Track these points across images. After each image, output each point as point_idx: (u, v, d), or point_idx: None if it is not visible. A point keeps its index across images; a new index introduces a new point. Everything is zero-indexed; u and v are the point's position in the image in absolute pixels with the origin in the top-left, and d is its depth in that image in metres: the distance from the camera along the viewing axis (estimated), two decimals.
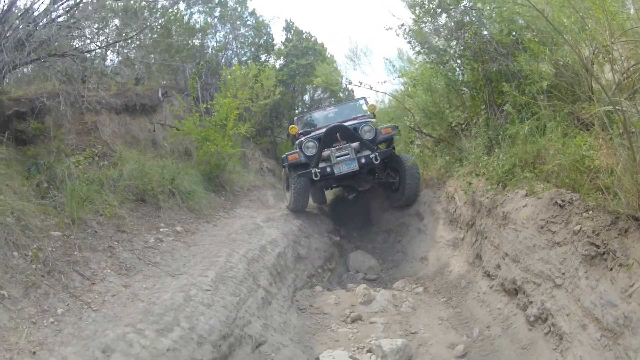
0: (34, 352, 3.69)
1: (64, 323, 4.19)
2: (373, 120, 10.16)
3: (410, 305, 6.47)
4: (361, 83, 10.68)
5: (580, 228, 4.06)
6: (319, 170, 8.87)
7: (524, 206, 5.24)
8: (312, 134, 9.90)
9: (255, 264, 6.43)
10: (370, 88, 10.22)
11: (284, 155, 9.48)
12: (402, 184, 9.20)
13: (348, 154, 8.92)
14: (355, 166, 8.87)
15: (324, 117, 12.07)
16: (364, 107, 11.60)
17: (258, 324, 5.20)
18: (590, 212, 4.09)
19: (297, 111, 20.77)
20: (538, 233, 4.75)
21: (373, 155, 8.83)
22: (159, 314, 4.31)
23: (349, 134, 9.08)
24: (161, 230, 7.31)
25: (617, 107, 3.83)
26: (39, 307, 4.28)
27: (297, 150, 9.38)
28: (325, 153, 9.08)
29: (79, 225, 5.94)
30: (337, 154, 8.94)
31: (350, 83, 13.42)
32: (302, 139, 9.55)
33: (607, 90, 4.48)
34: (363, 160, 8.89)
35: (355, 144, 9.09)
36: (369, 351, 5.13)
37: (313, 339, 5.71)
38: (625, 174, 3.71)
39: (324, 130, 9.57)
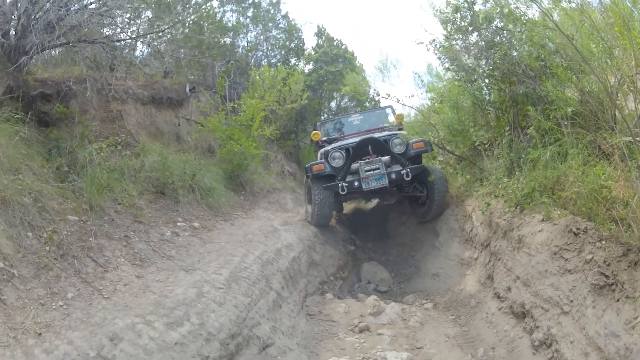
0: (40, 334, 3.73)
1: (73, 307, 4.25)
2: (404, 132, 9.50)
3: (418, 320, 6.48)
4: (388, 95, 10.33)
5: (592, 257, 4.10)
6: (346, 185, 8.31)
7: (539, 231, 5.26)
8: (339, 143, 9.42)
9: (270, 267, 6.51)
10: (398, 101, 9.84)
11: (308, 165, 8.84)
12: (430, 198, 8.68)
13: (378, 169, 8.31)
14: (385, 182, 8.28)
15: (349, 124, 11.49)
16: (391, 117, 11.19)
17: (267, 326, 5.27)
18: (603, 242, 4.12)
19: (322, 117, 20.66)
20: (551, 259, 4.76)
21: (404, 171, 8.26)
22: (170, 307, 4.40)
23: (381, 147, 8.50)
24: (178, 224, 7.39)
25: (637, 139, 3.85)
26: (49, 289, 4.34)
27: (323, 160, 8.83)
28: (354, 166, 8.49)
29: (97, 211, 6.05)
30: (367, 168, 8.32)
31: (378, 94, 13.19)
32: (329, 148, 9.07)
33: (629, 120, 4.49)
34: (394, 176, 8.32)
35: (385, 158, 8.50)
36: None
37: (319, 346, 5.75)
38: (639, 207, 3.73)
39: (351, 140, 9.22)
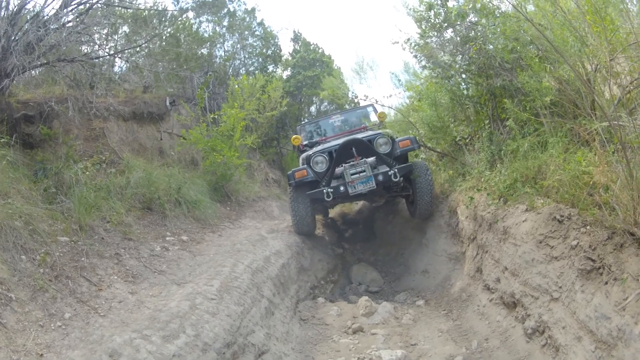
0: (41, 355, 3.77)
1: (72, 327, 4.29)
2: (388, 131, 8.85)
3: (411, 318, 6.55)
4: (367, 97, 10.46)
5: (578, 243, 4.16)
6: (332, 190, 7.92)
7: (523, 221, 5.33)
8: (321, 147, 8.95)
9: (260, 275, 6.53)
10: (376, 102, 10.11)
11: (290, 172, 8.38)
12: (414, 196, 8.34)
13: (364, 171, 7.84)
14: (372, 184, 7.83)
15: (330, 125, 11.25)
16: (372, 116, 11.00)
17: (261, 333, 5.30)
18: (588, 227, 4.18)
19: (303, 122, 20.80)
20: (537, 248, 4.83)
21: (392, 172, 7.81)
22: (165, 321, 4.44)
23: (365, 148, 8.01)
24: (167, 238, 7.42)
25: (614, 123, 3.93)
26: (46, 310, 4.37)
27: (305, 166, 8.43)
28: (338, 170, 8.08)
29: (86, 231, 6.07)
30: (352, 171, 7.87)
31: (356, 97, 13.12)
32: (311, 152, 8.67)
33: (607, 106, 4.58)
34: (381, 178, 7.88)
35: (371, 159, 8.05)
36: None
37: (314, 349, 5.79)
38: (622, 190, 3.80)
39: (333, 142, 8.87)
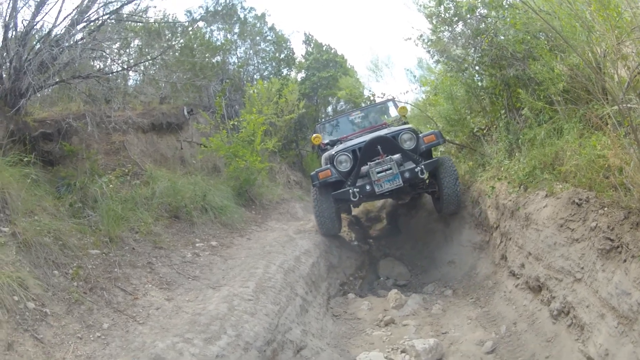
0: None
1: (111, 337, 4.35)
2: (410, 126, 8.66)
3: (440, 308, 6.69)
4: (384, 94, 10.26)
5: (597, 224, 4.32)
6: (358, 190, 7.74)
7: (544, 207, 5.48)
8: (343, 145, 8.62)
9: (292, 274, 6.69)
10: (393, 99, 10.02)
11: (314, 172, 8.17)
12: (440, 191, 8.14)
13: (390, 169, 7.62)
14: (399, 182, 7.62)
15: (350, 123, 10.93)
16: (393, 110, 10.72)
17: (298, 330, 5.46)
18: (606, 208, 4.33)
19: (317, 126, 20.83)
20: (558, 231, 4.98)
21: (418, 168, 7.60)
22: (205, 323, 4.57)
23: (391, 145, 7.82)
24: (197, 245, 7.54)
25: (623, 107, 4.07)
26: (84, 322, 4.42)
27: (328, 166, 8.21)
28: (364, 168, 7.91)
29: (117, 243, 6.16)
30: (378, 169, 7.64)
31: (373, 95, 12.94)
32: (334, 152, 8.31)
33: (617, 89, 4.70)
34: (407, 175, 7.65)
35: (396, 156, 7.82)
36: (402, 351, 5.35)
37: (349, 343, 5.94)
38: (635, 171, 3.95)
39: (356, 140, 8.57)
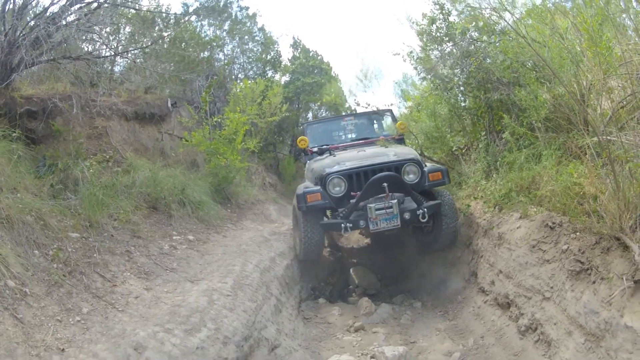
0: (63, 349, 3.80)
1: (91, 322, 4.33)
2: (415, 156, 7.66)
3: (409, 318, 6.87)
4: (369, 104, 9.92)
5: (568, 247, 4.56)
6: (351, 225, 6.92)
7: (518, 227, 5.72)
8: (337, 164, 7.57)
9: (267, 274, 6.80)
10: (391, 110, 9.76)
11: (300, 192, 7.29)
12: (437, 227, 7.32)
13: (391, 208, 6.82)
14: (396, 222, 6.85)
15: (342, 129, 10.06)
16: (389, 123, 10.21)
17: (272, 328, 5.58)
18: (578, 233, 4.58)
19: (300, 127, 20.72)
20: (530, 252, 5.21)
21: (420, 211, 6.84)
22: (186, 315, 4.65)
23: (399, 185, 6.97)
24: (174, 238, 7.57)
25: (603, 139, 4.32)
26: (63, 305, 4.39)
27: (319, 188, 7.29)
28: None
29: (96, 228, 6.12)
30: (378, 206, 6.83)
31: (358, 104, 12.36)
32: (325, 172, 7.42)
33: (599, 122, 4.94)
34: (407, 217, 6.89)
35: (399, 194, 7.06)
36: (372, 357, 5.45)
37: (320, 346, 6.06)
38: (610, 200, 4.18)
39: (350, 158, 7.70)
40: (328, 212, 7.59)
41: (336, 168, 7.43)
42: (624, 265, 3.81)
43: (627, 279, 3.64)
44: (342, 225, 6.90)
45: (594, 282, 4.03)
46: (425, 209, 6.89)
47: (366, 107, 9.68)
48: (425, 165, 7.51)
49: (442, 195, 7.34)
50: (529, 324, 4.89)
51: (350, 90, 21.81)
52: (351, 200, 7.04)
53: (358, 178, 7.25)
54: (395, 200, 6.85)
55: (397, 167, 7.25)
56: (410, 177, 7.24)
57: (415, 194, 7.06)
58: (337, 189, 7.23)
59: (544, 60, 5.40)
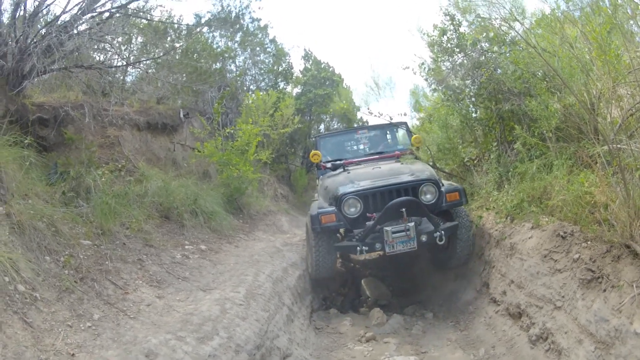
0: (73, 354, 3.80)
1: (102, 328, 4.35)
2: (432, 175, 7.45)
3: (420, 329, 6.85)
4: (381, 114, 9.39)
5: (579, 256, 4.56)
6: (367, 248, 6.79)
7: (529, 238, 5.71)
8: (352, 183, 7.38)
9: (280, 284, 6.84)
10: (390, 119, 9.54)
11: (314, 213, 7.12)
12: (452, 247, 7.22)
13: (409, 231, 6.62)
14: (413, 245, 6.69)
15: (355, 142, 9.86)
16: (404, 135, 9.79)
17: (284, 338, 5.61)
18: (589, 242, 4.59)
19: (312, 139, 20.29)
20: (541, 261, 5.21)
21: (438, 234, 6.71)
22: (198, 323, 4.67)
23: (417, 209, 6.77)
24: (186, 247, 7.63)
25: (613, 147, 4.33)
26: (74, 311, 4.41)
27: (334, 209, 7.09)
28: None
29: (108, 236, 6.17)
30: (396, 230, 6.65)
31: (371, 113, 12.09)
32: (340, 192, 7.21)
33: (609, 130, 4.95)
34: (424, 239, 6.73)
35: (416, 217, 6.88)
36: None
37: (331, 355, 6.08)
38: (620, 208, 4.19)
39: (365, 176, 7.53)
40: (341, 230, 7.44)
41: (351, 188, 7.24)
42: (634, 272, 3.82)
43: (638, 286, 3.66)
44: (358, 248, 6.76)
45: (604, 290, 4.04)
46: (443, 231, 6.76)
47: (379, 116, 9.35)
48: (442, 185, 7.30)
49: (460, 216, 7.20)
50: (540, 333, 4.88)
51: (364, 100, 21.72)
52: (367, 222, 6.87)
53: (374, 199, 7.08)
54: (413, 224, 6.66)
55: (414, 187, 7.08)
56: (428, 197, 7.04)
57: (432, 216, 6.86)
58: (353, 209, 7.05)
59: (554, 70, 5.43)
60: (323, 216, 6.99)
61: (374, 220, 6.74)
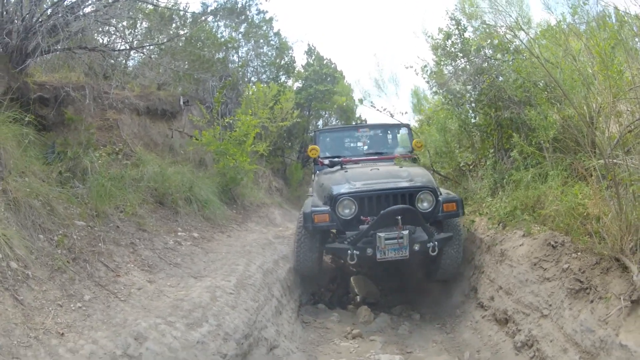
0: (62, 334, 3.83)
1: (92, 309, 4.37)
2: (430, 182, 7.25)
3: (406, 329, 6.91)
4: (384, 109, 9.68)
5: (569, 266, 4.63)
6: (357, 253, 6.63)
7: (520, 245, 5.79)
8: (348, 182, 7.25)
9: (270, 276, 6.86)
10: (392, 116, 9.61)
11: (307, 211, 7.02)
12: (441, 256, 7.03)
13: (402, 239, 6.49)
14: (405, 253, 6.58)
15: (355, 140, 9.62)
16: (405, 139, 9.44)
17: (272, 329, 5.66)
18: (579, 253, 4.66)
19: (310, 134, 20.48)
20: (531, 269, 5.28)
21: (431, 244, 6.59)
22: (188, 309, 4.71)
23: (413, 217, 6.59)
24: (179, 234, 7.63)
25: (609, 161, 4.39)
26: (65, 291, 4.44)
27: (328, 209, 6.97)
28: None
29: (102, 218, 6.16)
30: (389, 237, 6.51)
31: (373, 107, 11.69)
32: (335, 193, 7.07)
33: (606, 144, 5.01)
34: (417, 248, 6.62)
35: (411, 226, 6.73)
36: None
37: (317, 350, 6.12)
38: (612, 222, 4.25)
39: (360, 176, 7.42)
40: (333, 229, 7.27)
41: (347, 188, 7.11)
42: (622, 285, 3.88)
43: (625, 298, 3.71)
44: (349, 252, 6.63)
45: (591, 301, 4.10)
46: (436, 242, 6.65)
47: (382, 111, 9.50)
48: (440, 193, 7.17)
49: (455, 230, 7.09)
50: (525, 340, 4.94)
51: (367, 94, 21.75)
52: (361, 226, 6.73)
53: (370, 202, 6.94)
54: (407, 232, 6.53)
55: (411, 194, 6.93)
56: (424, 205, 6.89)
57: (427, 226, 6.72)
58: (347, 211, 6.91)
59: (555, 81, 5.49)
60: (316, 215, 6.88)
61: (368, 224, 6.64)
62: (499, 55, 7.82)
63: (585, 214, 4.87)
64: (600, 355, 3.71)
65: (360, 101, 14.93)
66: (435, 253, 6.63)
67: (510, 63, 7.44)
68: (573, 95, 5.64)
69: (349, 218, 6.89)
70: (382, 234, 6.50)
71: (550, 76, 5.51)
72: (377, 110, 10.29)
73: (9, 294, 3.88)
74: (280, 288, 6.92)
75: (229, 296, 5.37)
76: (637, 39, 6.33)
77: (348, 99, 21.05)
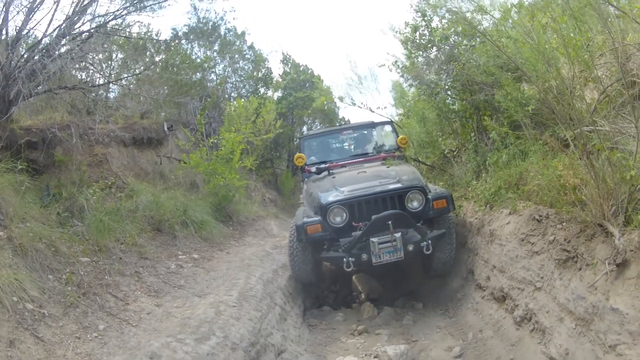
0: None
1: (108, 337, 4.62)
2: (419, 182, 7.25)
3: (410, 319, 7.07)
4: (363, 104, 9.72)
5: (554, 238, 4.75)
6: (353, 260, 6.68)
7: (507, 223, 5.94)
8: (336, 190, 7.29)
9: (271, 285, 7.00)
10: (371, 111, 9.67)
11: (300, 223, 6.99)
12: (435, 252, 7.01)
13: (395, 241, 6.52)
14: (400, 255, 6.60)
15: (340, 142, 9.63)
16: (389, 135, 9.42)
17: (278, 335, 5.80)
18: (564, 223, 4.77)
19: (295, 142, 20.64)
20: (519, 245, 5.43)
21: (424, 243, 6.62)
22: (195, 326, 4.87)
23: (404, 221, 6.66)
24: (180, 257, 7.77)
25: (576, 131, 4.53)
26: (80, 324, 4.65)
27: (319, 218, 6.97)
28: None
29: (105, 252, 6.34)
30: (382, 241, 6.56)
31: (354, 104, 11.54)
32: (323, 202, 7.12)
33: (584, 112, 5.09)
34: (411, 248, 6.64)
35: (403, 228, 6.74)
36: (375, 357, 5.63)
37: (325, 349, 6.28)
38: (591, 190, 4.38)
39: (349, 181, 7.49)
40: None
41: (335, 196, 7.15)
42: (606, 250, 3.98)
43: (610, 263, 3.80)
44: (344, 259, 6.69)
45: (580, 269, 4.22)
46: (430, 241, 6.68)
47: (362, 107, 9.44)
48: (429, 191, 7.21)
49: (447, 226, 7.14)
50: (523, 315, 5.09)
51: (345, 92, 21.89)
52: (353, 233, 6.77)
53: (360, 207, 6.97)
54: (399, 234, 6.56)
55: (400, 195, 6.97)
56: (414, 204, 6.94)
57: (419, 226, 6.74)
58: (338, 219, 6.93)
59: (509, 58, 5.61)
60: (309, 226, 6.88)
61: (361, 230, 6.69)
62: (465, 42, 7.97)
63: (565, 184, 4.96)
64: (595, 321, 3.82)
65: (341, 99, 14.94)
66: (429, 251, 6.69)
67: (475, 48, 7.57)
68: (537, 71, 5.70)
69: (340, 225, 6.91)
70: (375, 239, 6.55)
71: (510, 59, 5.65)
72: (358, 106, 10.15)
73: (29, 333, 4.09)
74: (282, 296, 7.05)
75: (233, 309, 5.51)
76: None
77: (328, 99, 21.10)
